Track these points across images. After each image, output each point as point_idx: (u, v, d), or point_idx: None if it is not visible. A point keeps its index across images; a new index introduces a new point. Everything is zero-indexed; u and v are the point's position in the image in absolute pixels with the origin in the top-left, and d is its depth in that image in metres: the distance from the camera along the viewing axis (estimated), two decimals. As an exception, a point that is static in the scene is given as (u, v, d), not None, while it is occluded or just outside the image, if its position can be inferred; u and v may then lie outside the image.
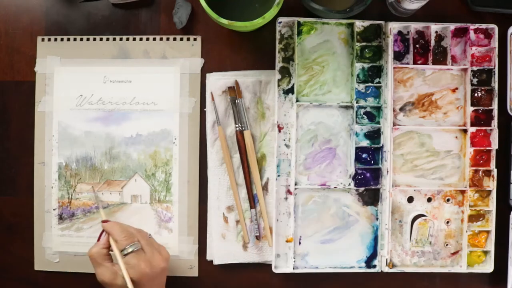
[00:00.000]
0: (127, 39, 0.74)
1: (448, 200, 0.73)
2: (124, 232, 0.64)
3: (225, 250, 0.73)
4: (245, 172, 0.73)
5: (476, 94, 0.72)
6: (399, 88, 0.73)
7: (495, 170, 0.72)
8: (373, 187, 0.72)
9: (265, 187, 0.73)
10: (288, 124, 0.72)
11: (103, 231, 0.66)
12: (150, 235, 0.66)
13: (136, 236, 0.64)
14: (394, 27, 0.71)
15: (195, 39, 0.74)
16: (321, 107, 0.73)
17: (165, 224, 0.74)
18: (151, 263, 0.62)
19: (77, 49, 0.74)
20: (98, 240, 0.66)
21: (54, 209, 0.74)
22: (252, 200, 0.73)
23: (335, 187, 0.72)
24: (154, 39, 0.74)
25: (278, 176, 0.72)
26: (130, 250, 0.62)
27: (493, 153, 0.72)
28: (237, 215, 0.73)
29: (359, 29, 0.72)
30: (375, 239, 0.73)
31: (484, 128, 0.72)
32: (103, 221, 0.66)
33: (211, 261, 0.74)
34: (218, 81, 0.73)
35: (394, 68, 0.71)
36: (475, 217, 0.72)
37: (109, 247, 0.64)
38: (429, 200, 0.73)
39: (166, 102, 0.74)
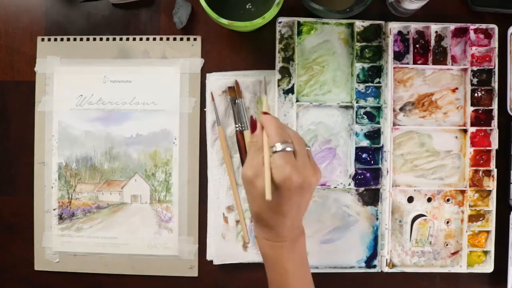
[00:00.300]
0: (127, 39, 0.74)
1: (448, 200, 0.73)
2: (279, 128, 0.55)
3: (225, 250, 0.73)
4: (245, 172, 0.73)
5: (476, 94, 0.72)
6: (399, 88, 0.73)
7: (495, 170, 0.72)
8: (373, 187, 0.72)
9: (265, 187, 0.73)
10: (288, 124, 0.72)
11: (256, 123, 0.58)
12: (309, 147, 0.58)
13: (290, 138, 0.55)
14: (394, 27, 0.71)
15: (195, 39, 0.74)
16: (321, 107, 0.73)
17: (165, 224, 0.74)
18: (299, 172, 0.53)
19: (77, 49, 0.74)
20: (253, 130, 0.58)
21: (54, 209, 0.74)
22: (252, 200, 0.73)
23: (335, 187, 0.72)
24: (154, 39, 0.74)
25: (278, 176, 0.72)
26: (279, 148, 0.53)
27: (493, 153, 0.72)
28: (237, 215, 0.73)
29: (359, 29, 0.72)
30: (375, 239, 0.73)
31: (484, 128, 0.72)
32: (263, 113, 0.58)
33: (211, 261, 0.74)
34: (218, 81, 0.73)
35: (394, 68, 0.71)
36: (475, 217, 0.72)
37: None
38: (429, 200, 0.73)
39: (166, 102, 0.74)
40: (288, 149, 0.54)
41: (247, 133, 0.73)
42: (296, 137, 0.57)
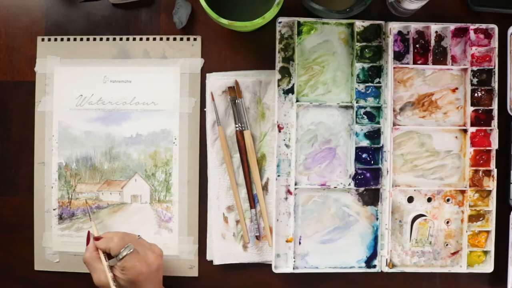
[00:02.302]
0: (127, 39, 0.74)
1: (448, 200, 0.73)
2: (114, 238, 0.65)
3: (225, 250, 0.73)
4: (245, 172, 0.73)
5: (476, 94, 0.72)
6: (399, 88, 0.73)
7: (495, 170, 0.72)
8: (373, 187, 0.72)
9: (265, 187, 0.73)
10: (288, 124, 0.72)
11: (89, 233, 0.68)
12: (139, 236, 0.68)
13: (126, 240, 0.65)
14: (394, 27, 0.71)
15: (195, 39, 0.74)
16: (321, 107, 0.73)
17: (165, 224, 0.74)
18: (146, 262, 0.64)
19: (77, 49, 0.74)
20: (87, 243, 0.68)
21: (54, 209, 0.74)
22: (252, 200, 0.73)
23: (335, 187, 0.72)
24: (154, 39, 0.74)
25: (278, 176, 0.72)
26: (124, 253, 0.64)
27: (493, 153, 0.72)
28: (237, 215, 0.73)
29: (359, 29, 0.72)
30: (375, 239, 0.73)
31: (484, 128, 0.72)
32: (95, 238, 0.67)
33: (211, 261, 0.74)
34: (218, 81, 0.73)
35: (394, 68, 0.71)
36: (475, 217, 0.72)
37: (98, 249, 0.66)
38: (429, 200, 0.73)
39: (166, 102, 0.74)
40: (131, 249, 0.64)
41: (247, 133, 0.73)
42: (127, 235, 0.66)
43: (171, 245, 0.74)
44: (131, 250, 0.64)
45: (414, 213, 0.73)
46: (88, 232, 0.69)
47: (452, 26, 0.72)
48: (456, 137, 0.73)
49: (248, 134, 0.73)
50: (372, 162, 0.72)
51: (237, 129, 0.73)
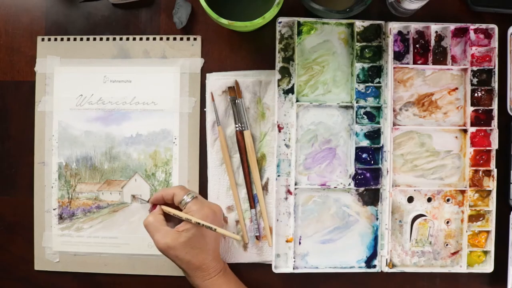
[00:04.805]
0: (127, 39, 0.74)
1: (448, 200, 0.73)
2: (175, 188, 0.67)
3: (225, 250, 0.73)
4: (245, 172, 0.73)
5: (476, 94, 0.72)
6: (399, 88, 0.73)
7: (495, 170, 0.72)
8: (373, 187, 0.72)
9: (265, 187, 0.73)
10: (288, 124, 0.72)
11: (154, 205, 0.69)
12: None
13: (186, 190, 0.67)
14: (394, 27, 0.71)
15: (195, 39, 0.74)
16: (321, 107, 0.73)
17: (165, 224, 0.74)
18: (210, 207, 0.66)
19: (77, 49, 0.74)
20: (152, 210, 0.68)
21: (54, 209, 0.74)
22: (252, 200, 0.73)
23: (335, 187, 0.72)
24: (154, 39, 0.74)
25: (278, 176, 0.72)
26: (188, 199, 0.66)
27: (493, 153, 0.72)
28: (237, 215, 0.73)
29: (359, 29, 0.72)
30: (375, 239, 0.73)
31: (484, 128, 0.72)
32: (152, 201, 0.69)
33: (211, 261, 0.74)
34: (218, 81, 0.73)
35: (394, 68, 0.71)
36: (475, 217, 0.72)
37: (163, 213, 0.67)
38: (429, 200, 0.73)
39: (166, 102, 0.74)
40: (194, 195, 0.66)
41: (247, 133, 0.73)
42: (182, 186, 0.68)
43: (171, 245, 0.73)
44: (195, 196, 0.66)
45: (414, 213, 0.73)
46: (152, 203, 0.69)
47: (452, 26, 0.72)
48: (456, 137, 0.73)
49: (248, 134, 0.73)
50: (372, 162, 0.72)
51: (237, 129, 0.73)
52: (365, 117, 0.73)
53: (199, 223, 0.64)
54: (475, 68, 0.72)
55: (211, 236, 0.66)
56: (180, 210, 0.66)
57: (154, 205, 0.69)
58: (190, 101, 0.74)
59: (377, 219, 0.73)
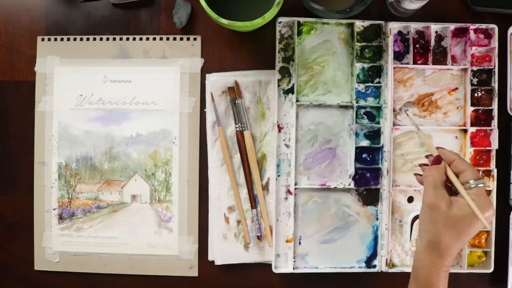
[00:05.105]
0: (127, 39, 0.74)
1: (448, 200, 0.73)
2: (470, 166, 0.58)
3: (226, 250, 0.73)
4: (245, 172, 0.73)
5: (476, 94, 0.72)
6: (399, 88, 0.73)
7: (495, 170, 0.72)
8: (373, 187, 0.72)
9: (265, 187, 0.73)
10: (288, 124, 0.72)
11: (437, 157, 0.60)
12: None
13: (477, 175, 0.57)
14: (394, 27, 0.71)
15: (195, 39, 0.74)
16: (321, 107, 0.73)
17: (165, 224, 0.74)
18: (489, 206, 0.56)
19: (77, 49, 0.74)
20: (433, 164, 0.59)
21: (54, 209, 0.74)
22: (253, 200, 0.73)
23: (335, 187, 0.72)
24: (154, 39, 0.74)
25: (278, 176, 0.72)
26: (473, 185, 0.56)
27: (493, 153, 0.72)
28: (238, 215, 0.73)
29: (359, 29, 0.72)
30: (375, 239, 0.73)
31: (484, 128, 0.72)
32: (439, 148, 0.60)
33: (211, 261, 0.74)
34: (218, 81, 0.73)
35: (394, 68, 0.71)
36: (475, 217, 0.72)
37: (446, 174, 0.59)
38: (429, 200, 0.73)
39: (166, 102, 0.74)
40: (482, 185, 0.56)
41: (247, 133, 0.73)
42: (478, 172, 0.58)
43: (171, 245, 0.73)
44: (482, 186, 0.56)
45: (414, 213, 0.73)
46: (439, 159, 0.59)
47: (452, 26, 0.72)
48: (456, 137, 0.73)
49: (248, 134, 0.73)
50: (372, 162, 0.72)
51: (237, 129, 0.73)
52: (365, 117, 0.73)
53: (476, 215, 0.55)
54: (475, 68, 0.72)
55: (475, 233, 0.57)
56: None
57: (438, 159, 0.59)
58: (190, 101, 0.74)
59: (377, 219, 0.73)
